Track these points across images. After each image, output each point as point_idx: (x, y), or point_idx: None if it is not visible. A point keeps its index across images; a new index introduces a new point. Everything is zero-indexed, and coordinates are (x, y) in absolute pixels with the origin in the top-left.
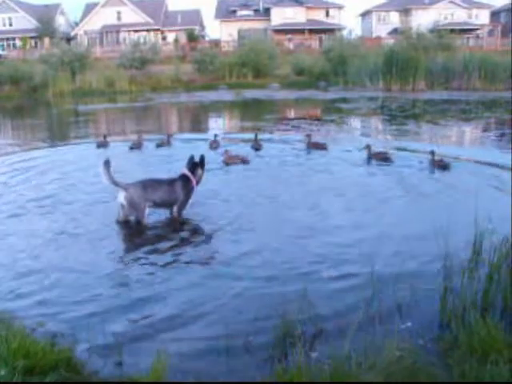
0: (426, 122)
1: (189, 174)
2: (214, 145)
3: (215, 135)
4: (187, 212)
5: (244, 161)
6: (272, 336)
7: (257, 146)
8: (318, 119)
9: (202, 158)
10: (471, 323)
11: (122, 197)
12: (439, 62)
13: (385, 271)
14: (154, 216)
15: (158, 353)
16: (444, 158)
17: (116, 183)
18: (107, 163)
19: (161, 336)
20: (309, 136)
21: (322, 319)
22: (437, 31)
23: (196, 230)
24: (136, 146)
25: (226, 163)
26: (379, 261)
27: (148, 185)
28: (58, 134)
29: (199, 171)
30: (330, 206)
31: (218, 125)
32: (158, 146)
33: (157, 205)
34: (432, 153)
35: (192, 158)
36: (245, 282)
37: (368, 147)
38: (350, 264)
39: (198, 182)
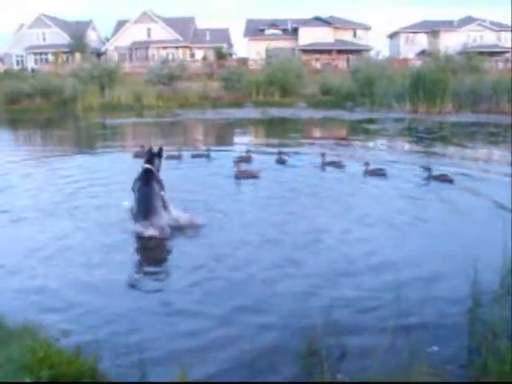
0: (453, 145)
1: (149, 166)
2: (247, 159)
3: (247, 150)
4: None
5: (254, 176)
6: (296, 354)
7: (281, 161)
8: (344, 139)
9: (160, 149)
10: (501, 350)
11: None
12: (467, 85)
13: (411, 292)
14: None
15: (181, 368)
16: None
17: None
18: None
19: (184, 350)
20: (323, 155)
21: (348, 339)
22: (465, 53)
23: (215, 243)
24: (176, 157)
25: (237, 177)
26: (405, 281)
27: None
28: (86, 145)
29: (156, 161)
30: (349, 222)
31: (243, 141)
32: (194, 156)
33: None
34: (428, 169)
35: (150, 149)
36: (268, 298)
37: (367, 164)
38: (375, 283)
39: (157, 171)
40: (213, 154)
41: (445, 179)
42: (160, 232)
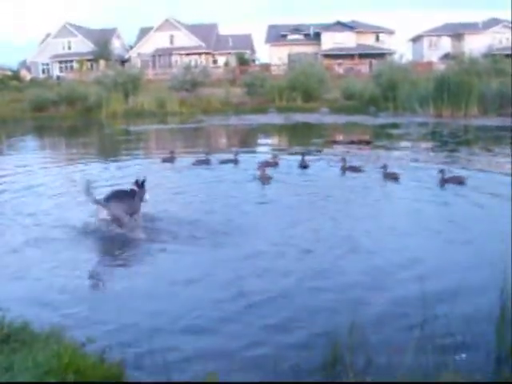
0: (479, 149)
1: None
2: (273, 164)
3: (274, 155)
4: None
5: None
6: (321, 362)
7: (304, 165)
8: (367, 143)
9: (144, 181)
10: None
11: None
12: (493, 88)
13: (437, 299)
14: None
15: (208, 375)
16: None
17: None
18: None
19: (208, 355)
20: (344, 160)
21: (372, 347)
22: (491, 56)
23: (246, 252)
24: (203, 162)
25: (260, 179)
26: (431, 288)
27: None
28: (111, 151)
29: (141, 191)
30: (372, 227)
31: (267, 146)
32: (222, 162)
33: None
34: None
35: (137, 180)
36: (293, 304)
37: (384, 166)
38: (400, 290)
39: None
40: (239, 159)
41: (457, 181)
42: (113, 218)
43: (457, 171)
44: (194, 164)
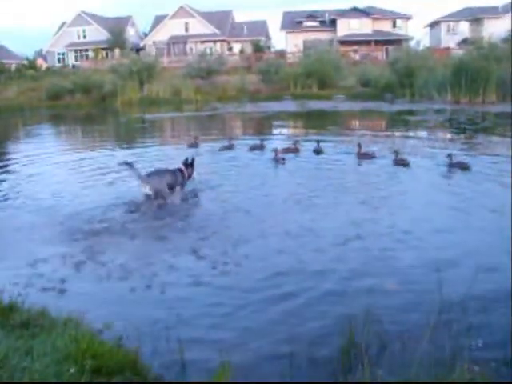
0: (497, 136)
1: (183, 168)
2: (294, 150)
3: (295, 141)
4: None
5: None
6: (336, 349)
7: (318, 150)
8: (383, 131)
9: (193, 159)
10: None
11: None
12: None
13: (454, 286)
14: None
15: (221, 363)
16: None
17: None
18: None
19: (224, 343)
20: (359, 146)
21: (388, 334)
22: (510, 41)
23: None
24: (227, 148)
25: (275, 160)
26: (448, 275)
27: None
28: (131, 138)
29: (189, 169)
30: (385, 215)
31: (282, 133)
32: (252, 149)
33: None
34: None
35: (186, 159)
36: (308, 293)
37: (396, 152)
38: (415, 277)
39: (189, 176)
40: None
41: (462, 166)
42: (154, 192)
43: (463, 157)
44: (220, 150)
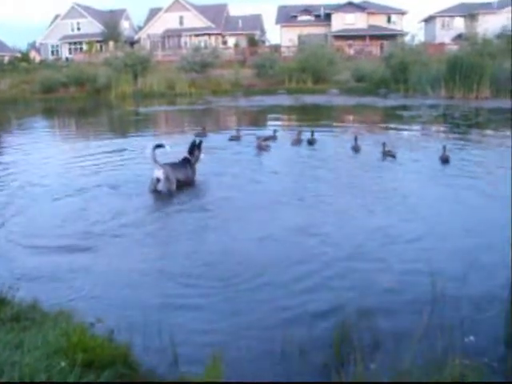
0: (490, 131)
1: (188, 156)
2: (273, 138)
3: (274, 130)
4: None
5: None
6: (328, 343)
7: (311, 141)
8: (377, 125)
9: (201, 142)
10: None
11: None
12: (506, 69)
13: (447, 283)
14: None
15: (213, 356)
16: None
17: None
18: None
19: (216, 337)
20: (356, 138)
21: (381, 329)
22: (505, 37)
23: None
24: (235, 138)
25: (258, 148)
26: (441, 272)
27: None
28: (124, 131)
29: (196, 152)
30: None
31: (275, 126)
32: (266, 139)
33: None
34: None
35: (193, 142)
36: (301, 286)
37: (383, 144)
38: (410, 275)
39: (196, 159)
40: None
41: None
42: (165, 177)
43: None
44: (229, 140)
